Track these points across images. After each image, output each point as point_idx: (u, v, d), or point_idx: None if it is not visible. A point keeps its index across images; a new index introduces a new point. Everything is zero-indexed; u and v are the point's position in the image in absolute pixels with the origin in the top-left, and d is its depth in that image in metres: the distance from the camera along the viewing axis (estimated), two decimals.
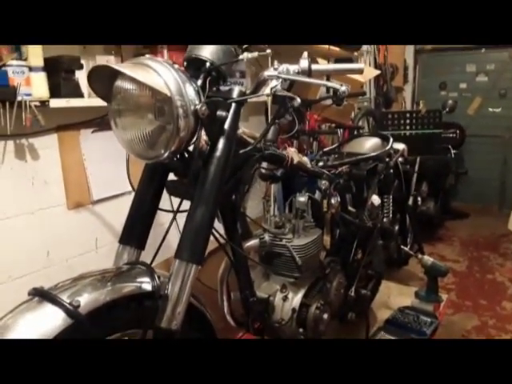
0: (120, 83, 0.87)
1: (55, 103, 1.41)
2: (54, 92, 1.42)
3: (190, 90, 0.87)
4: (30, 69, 1.35)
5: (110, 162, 1.66)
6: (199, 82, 0.93)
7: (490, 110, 4.27)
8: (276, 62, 1.05)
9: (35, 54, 1.35)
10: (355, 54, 3.38)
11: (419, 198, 3.14)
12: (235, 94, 0.97)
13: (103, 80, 0.89)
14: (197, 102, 0.87)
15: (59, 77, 1.43)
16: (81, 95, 1.51)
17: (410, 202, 2.90)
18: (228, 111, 0.95)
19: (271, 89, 0.99)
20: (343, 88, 0.99)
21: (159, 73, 0.84)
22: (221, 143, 0.93)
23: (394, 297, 2.33)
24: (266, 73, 1.03)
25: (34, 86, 1.36)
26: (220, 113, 0.93)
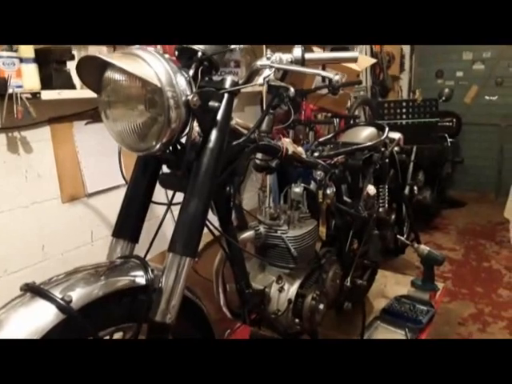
0: (109, 74, 0.86)
1: (47, 95, 1.40)
2: (46, 83, 1.41)
3: (181, 81, 0.86)
4: (21, 60, 1.34)
5: (104, 155, 1.65)
6: (191, 72, 0.91)
7: (487, 98, 4.26)
8: (269, 51, 1.03)
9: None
10: None
11: (415, 187, 3.15)
12: (228, 84, 0.95)
13: (93, 71, 0.87)
14: (188, 93, 0.86)
15: (50, 68, 1.42)
16: (73, 86, 1.49)
17: (407, 191, 2.90)
18: (220, 102, 0.93)
19: (264, 78, 0.98)
20: (336, 77, 0.97)
21: (149, 63, 0.82)
22: (213, 134, 0.92)
23: (391, 286, 2.33)
24: (259, 62, 1.01)
25: (25, 78, 1.35)
26: (212, 103, 0.91)
